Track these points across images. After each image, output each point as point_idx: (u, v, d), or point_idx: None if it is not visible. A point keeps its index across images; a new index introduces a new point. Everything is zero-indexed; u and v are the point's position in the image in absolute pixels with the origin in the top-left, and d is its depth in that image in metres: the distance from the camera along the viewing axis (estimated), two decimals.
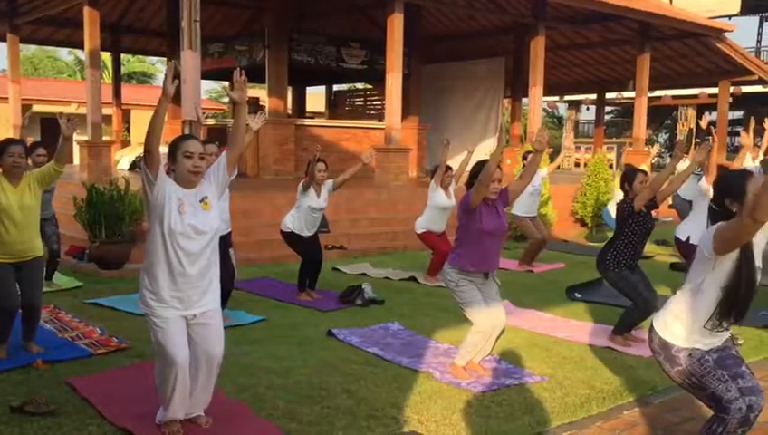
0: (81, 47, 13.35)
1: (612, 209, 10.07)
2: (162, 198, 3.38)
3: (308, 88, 20.12)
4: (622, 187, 5.67)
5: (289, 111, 17.01)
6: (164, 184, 3.39)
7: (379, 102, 16.96)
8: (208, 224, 3.48)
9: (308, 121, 15.61)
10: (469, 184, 4.61)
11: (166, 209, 3.38)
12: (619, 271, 5.47)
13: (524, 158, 8.97)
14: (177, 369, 3.40)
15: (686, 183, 10.52)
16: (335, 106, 19.46)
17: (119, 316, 5.94)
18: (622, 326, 5.50)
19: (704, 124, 6.95)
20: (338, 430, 3.68)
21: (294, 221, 6.84)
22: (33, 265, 4.84)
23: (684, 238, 6.32)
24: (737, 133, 32.74)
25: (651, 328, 3.27)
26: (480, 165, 4.55)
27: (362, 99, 19.41)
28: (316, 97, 23.22)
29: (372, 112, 17.71)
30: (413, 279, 7.92)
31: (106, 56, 21.56)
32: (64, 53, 36.47)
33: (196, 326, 3.50)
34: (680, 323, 3.13)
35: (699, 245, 3.03)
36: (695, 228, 6.13)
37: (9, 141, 4.84)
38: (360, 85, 22.13)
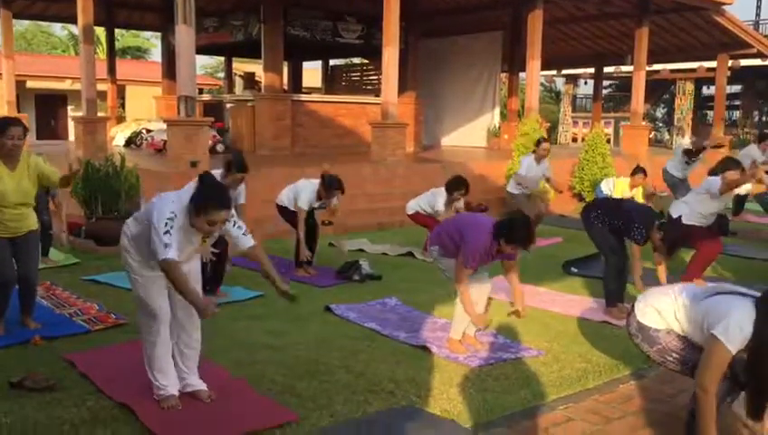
0: (75, 22, 13.23)
1: (605, 187, 10.07)
2: None
3: (304, 63, 20.00)
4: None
5: (285, 87, 16.91)
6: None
7: (376, 77, 16.88)
8: None
9: (304, 97, 15.52)
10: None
11: None
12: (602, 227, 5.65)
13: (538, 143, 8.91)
14: (160, 325, 3.55)
15: (675, 159, 10.60)
16: (332, 81, 19.36)
17: (116, 293, 5.94)
18: (611, 296, 5.60)
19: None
20: (336, 404, 3.71)
21: (290, 201, 6.86)
22: (29, 237, 4.82)
23: (675, 216, 6.42)
24: (736, 107, 32.82)
25: (631, 313, 3.35)
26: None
27: (359, 74, 19.31)
28: (312, 72, 23.10)
29: (369, 87, 17.63)
30: (410, 254, 7.93)
31: (100, 31, 21.39)
32: (58, 29, 36.22)
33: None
34: (660, 318, 3.24)
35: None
36: (686, 210, 6.32)
37: (9, 122, 4.60)
38: (356, 60, 21.98)
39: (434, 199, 7.59)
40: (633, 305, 3.46)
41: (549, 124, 16.61)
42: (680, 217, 6.31)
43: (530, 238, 4.30)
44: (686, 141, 10.53)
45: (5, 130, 4.48)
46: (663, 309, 3.24)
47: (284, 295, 3.70)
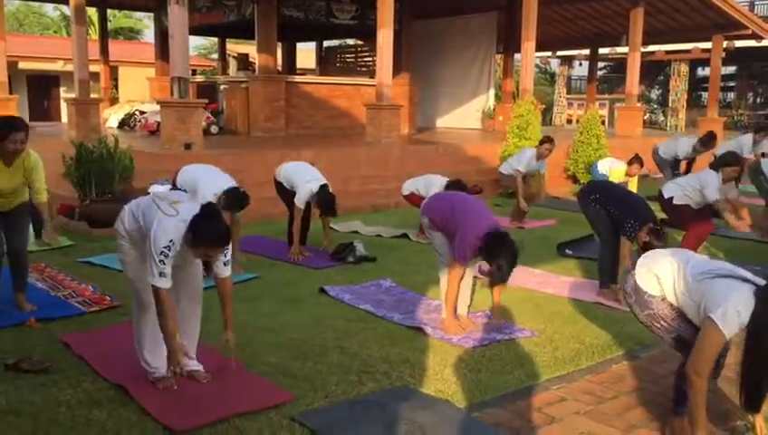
0: (67, 2, 13.13)
1: (602, 167, 10.09)
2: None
3: (298, 44, 19.87)
4: None
5: (279, 68, 16.81)
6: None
7: (371, 58, 16.79)
8: None
9: (298, 78, 15.43)
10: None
11: None
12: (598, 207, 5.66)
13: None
14: (149, 314, 3.59)
15: (667, 142, 10.63)
16: (326, 62, 19.24)
17: (111, 275, 5.94)
18: (604, 277, 5.62)
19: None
20: (330, 385, 3.73)
21: (288, 183, 6.88)
22: (20, 209, 4.86)
23: (667, 196, 6.51)
24: (730, 89, 32.79)
25: (630, 271, 3.33)
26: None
27: (353, 55, 19.19)
28: (306, 53, 22.96)
29: (363, 69, 17.53)
30: (405, 236, 7.95)
31: (92, 12, 21.20)
32: (50, 9, 35.84)
33: None
34: (658, 285, 3.24)
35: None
36: (678, 192, 6.40)
37: (13, 125, 4.56)
38: (350, 41, 21.87)
39: (428, 187, 7.58)
40: (635, 263, 3.43)
41: (544, 106, 16.54)
42: (672, 197, 6.37)
43: (503, 276, 4.38)
44: (685, 143, 10.45)
45: (9, 135, 4.47)
46: (663, 276, 3.22)
47: (225, 344, 3.69)
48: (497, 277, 4.39)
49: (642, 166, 9.58)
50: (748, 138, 10.46)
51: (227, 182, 6.03)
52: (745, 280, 2.99)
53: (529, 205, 8.81)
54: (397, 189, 8.59)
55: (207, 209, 3.45)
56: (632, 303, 3.35)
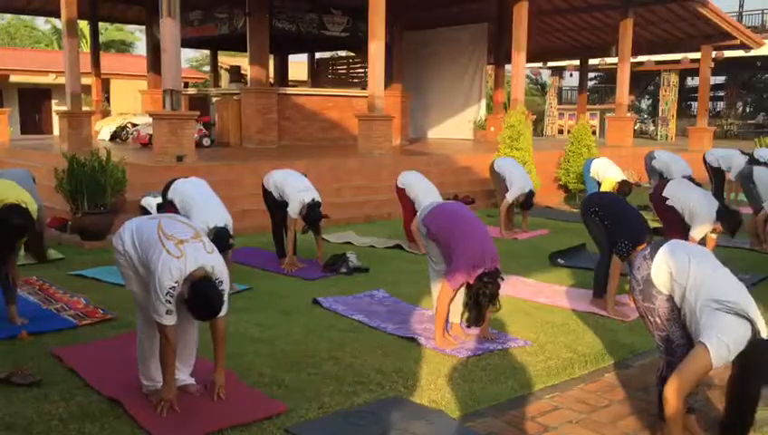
0: (58, 16, 13.12)
1: (594, 170, 10.12)
2: None
3: (290, 56, 19.92)
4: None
5: (271, 80, 16.85)
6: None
7: (362, 70, 16.84)
8: None
9: (290, 90, 15.47)
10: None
11: None
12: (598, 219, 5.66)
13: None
14: (155, 330, 3.52)
15: (662, 155, 10.72)
16: (318, 74, 19.30)
17: (103, 287, 5.93)
18: (599, 287, 5.62)
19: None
20: (324, 395, 3.73)
21: (276, 191, 6.86)
22: None
23: (666, 194, 6.57)
24: (720, 98, 33.01)
25: (648, 257, 3.33)
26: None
27: (345, 67, 19.26)
28: (298, 65, 23.02)
29: (355, 80, 17.60)
30: (398, 247, 7.96)
31: (83, 24, 21.20)
32: (41, 22, 35.83)
33: None
34: (670, 281, 3.25)
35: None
36: (672, 191, 6.49)
37: (12, 220, 4.60)
38: (342, 53, 21.95)
39: (419, 201, 7.43)
40: (651, 248, 3.39)
41: (535, 116, 16.64)
42: (668, 198, 6.45)
43: (479, 318, 4.39)
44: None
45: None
46: (678, 279, 3.22)
47: (215, 383, 3.68)
48: (471, 317, 4.42)
49: (630, 192, 9.30)
50: (739, 157, 10.61)
51: (217, 214, 5.77)
52: (751, 320, 3.02)
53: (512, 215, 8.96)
54: (389, 201, 8.61)
55: (200, 286, 3.39)
56: (636, 290, 3.36)
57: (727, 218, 6.02)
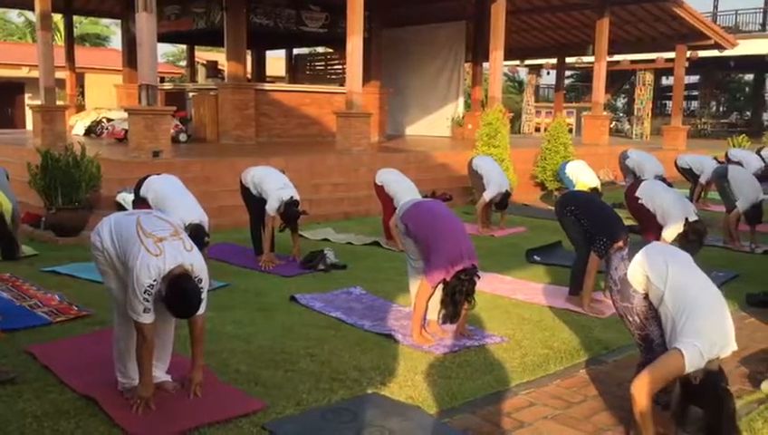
0: (32, 8, 12.92)
1: (570, 171, 10.18)
2: None
3: (268, 52, 19.81)
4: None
5: (248, 76, 16.75)
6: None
7: (340, 67, 16.80)
8: None
9: (268, 86, 15.40)
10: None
11: None
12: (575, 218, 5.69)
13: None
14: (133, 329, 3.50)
15: (635, 154, 10.84)
16: (296, 70, 19.22)
17: (77, 284, 5.87)
18: (575, 285, 5.67)
19: None
20: (301, 392, 3.73)
21: (254, 188, 6.83)
22: None
23: (639, 194, 6.60)
24: (694, 97, 33.41)
25: (626, 258, 3.39)
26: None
27: (323, 63, 19.19)
28: (276, 61, 22.91)
29: (333, 77, 17.54)
30: (376, 244, 7.97)
31: (58, 18, 20.90)
32: (14, 15, 35.27)
33: None
34: (646, 282, 3.31)
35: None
36: (644, 191, 6.53)
37: None
38: (320, 49, 21.86)
39: (398, 199, 7.36)
40: (630, 250, 3.44)
41: (512, 114, 16.72)
42: (640, 198, 6.50)
43: (455, 314, 4.42)
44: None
45: None
46: (654, 280, 3.26)
47: (192, 380, 3.64)
48: (447, 314, 4.44)
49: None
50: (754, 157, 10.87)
51: (193, 211, 5.73)
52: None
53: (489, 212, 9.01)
54: (367, 197, 8.61)
55: (179, 283, 3.37)
56: (614, 291, 3.42)
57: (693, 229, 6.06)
